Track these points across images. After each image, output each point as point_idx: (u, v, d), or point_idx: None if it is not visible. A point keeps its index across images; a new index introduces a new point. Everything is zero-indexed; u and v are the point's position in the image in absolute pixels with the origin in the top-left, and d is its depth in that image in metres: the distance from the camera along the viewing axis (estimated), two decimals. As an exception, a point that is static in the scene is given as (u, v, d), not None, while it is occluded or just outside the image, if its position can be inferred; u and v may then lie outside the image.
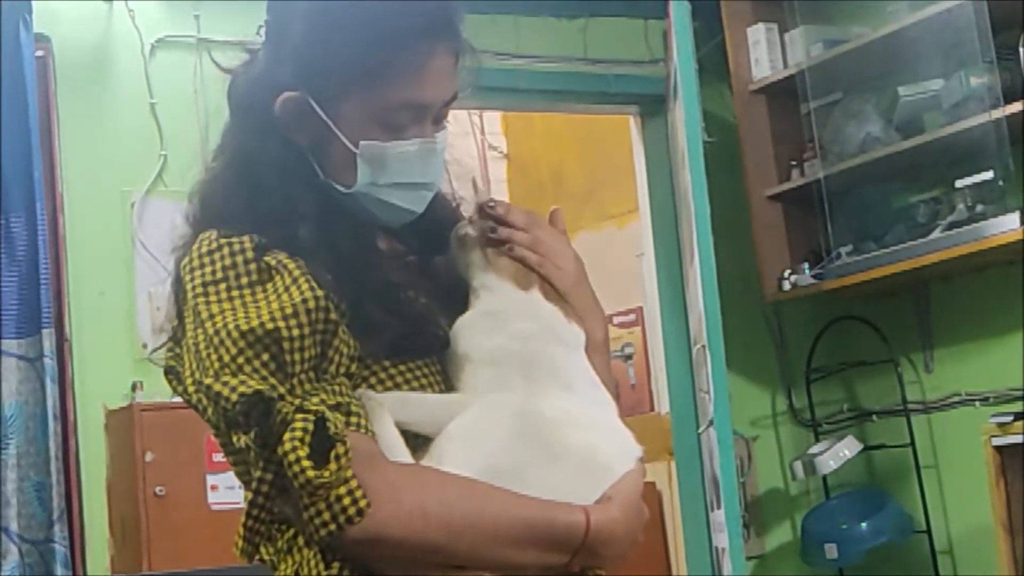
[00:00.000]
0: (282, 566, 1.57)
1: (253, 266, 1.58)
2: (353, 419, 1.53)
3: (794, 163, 5.02)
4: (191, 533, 4.00)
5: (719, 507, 4.41)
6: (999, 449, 4.31)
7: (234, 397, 1.50)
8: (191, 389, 1.58)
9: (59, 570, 4.05)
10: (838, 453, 4.86)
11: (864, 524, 4.81)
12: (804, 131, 4.95)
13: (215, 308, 1.56)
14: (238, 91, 1.73)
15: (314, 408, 1.50)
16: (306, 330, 1.54)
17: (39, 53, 4.30)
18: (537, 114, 6.23)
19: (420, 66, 1.65)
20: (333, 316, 1.56)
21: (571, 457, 1.60)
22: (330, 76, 1.64)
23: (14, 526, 4.04)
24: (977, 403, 4.80)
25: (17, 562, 4.04)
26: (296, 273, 1.57)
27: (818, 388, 5.20)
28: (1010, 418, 4.31)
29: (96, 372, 4.28)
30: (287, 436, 1.48)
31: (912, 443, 4.89)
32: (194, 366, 1.56)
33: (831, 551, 4.82)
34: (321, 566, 1.53)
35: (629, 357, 6.14)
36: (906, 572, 4.95)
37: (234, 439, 1.53)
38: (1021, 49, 4.22)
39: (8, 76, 4.16)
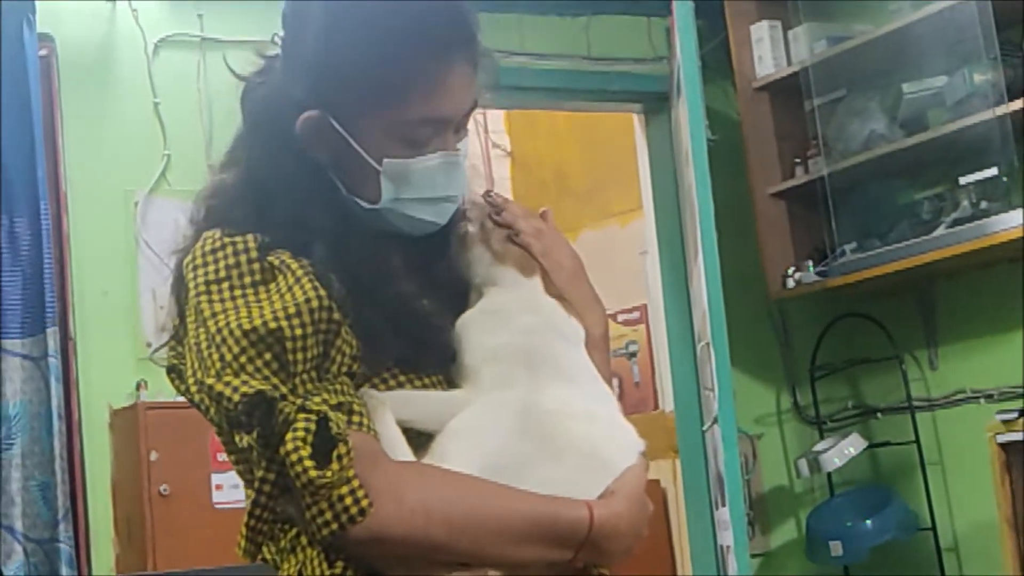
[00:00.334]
0: (285, 565, 1.57)
1: (256, 265, 1.58)
2: (355, 418, 1.53)
3: (798, 160, 5.01)
4: (196, 532, 4.00)
5: (724, 505, 4.41)
6: (1004, 446, 4.30)
7: (236, 397, 1.50)
8: (193, 389, 1.58)
9: (64, 570, 4.05)
10: (843, 450, 4.85)
11: (869, 521, 4.81)
12: (808, 128, 4.95)
13: (217, 307, 1.56)
14: (254, 103, 1.71)
15: (316, 408, 1.50)
16: (308, 329, 1.53)
17: (43, 52, 4.31)
18: (540, 112, 6.22)
19: (440, 80, 1.63)
20: (336, 316, 1.56)
21: (573, 452, 1.60)
22: (349, 93, 1.63)
23: (19, 525, 4.04)
24: (982, 400, 4.80)
25: (22, 561, 4.04)
26: (299, 273, 1.57)
27: (823, 385, 5.20)
28: (1015, 415, 4.31)
29: (100, 371, 4.28)
30: (289, 436, 1.48)
31: (917, 440, 4.89)
32: (196, 365, 1.56)
33: (836, 548, 4.81)
34: (324, 565, 1.53)
35: (633, 355, 6.14)
36: (911, 569, 4.95)
37: (236, 439, 1.53)
38: (1025, 46, 4.22)
39: (11, 75, 4.16)
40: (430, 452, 1.57)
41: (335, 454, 1.48)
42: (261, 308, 1.54)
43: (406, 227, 1.69)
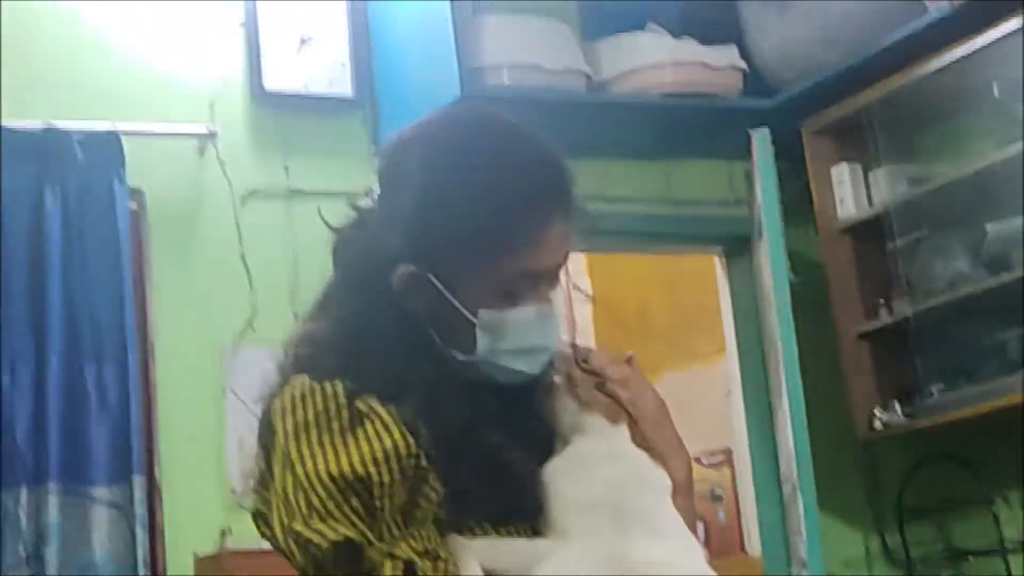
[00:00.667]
0: None
1: (345, 412, 1.59)
2: (441, 564, 1.53)
3: (882, 302, 4.99)
4: None
5: (814, 651, 4.33)
6: (1100, 590, 4.21)
7: (324, 543, 1.51)
8: (279, 534, 1.59)
9: None
10: (935, 595, 4.77)
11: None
12: (891, 269, 4.93)
13: (306, 452, 1.57)
14: (347, 255, 1.74)
15: (403, 554, 1.50)
16: (396, 476, 1.54)
17: (132, 206, 4.39)
18: (622, 255, 6.25)
19: (539, 236, 1.65)
20: (423, 463, 1.56)
21: (661, 604, 1.58)
22: (447, 249, 1.65)
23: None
24: (1075, 543, 4.71)
25: None
26: (387, 419, 1.58)
27: (912, 528, 5.12)
28: (1111, 558, 4.22)
29: (186, 518, 4.29)
30: (377, 582, 1.49)
31: (1010, 584, 4.79)
32: (283, 511, 1.57)
33: None
34: None
35: (719, 498, 6.07)
36: None
37: (322, 586, 1.53)
38: (1107, 184, 4.21)
39: (102, 229, 4.24)
40: (515, 600, 1.57)
41: (423, 601, 1.48)
42: (349, 454, 1.56)
43: (501, 378, 1.69)
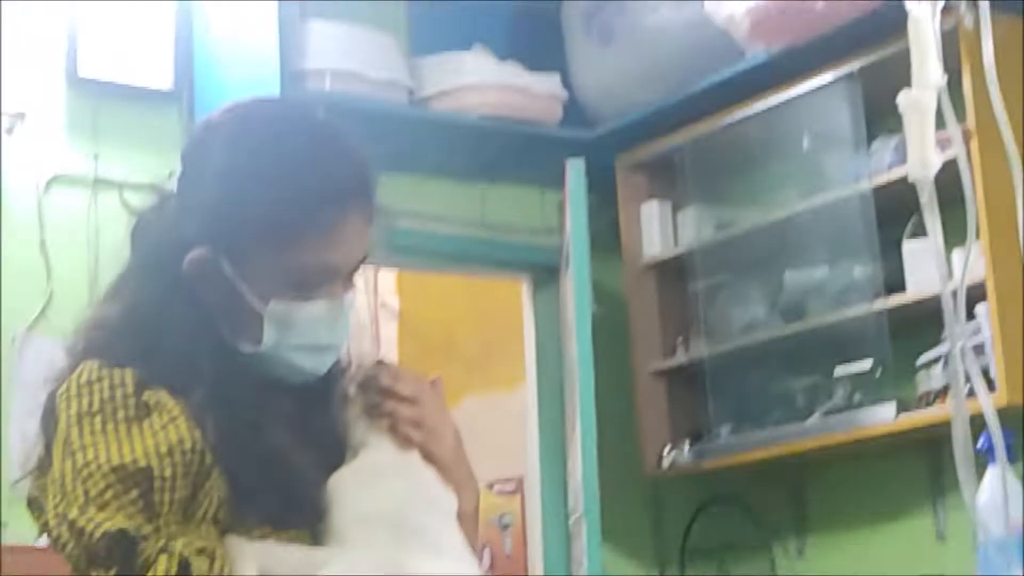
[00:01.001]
0: None
1: (132, 400, 1.57)
2: (217, 564, 1.51)
3: (680, 340, 5.07)
4: None
5: None
6: (867, 637, 4.32)
7: (98, 532, 1.48)
8: (53, 522, 1.55)
9: None
10: (708, 633, 4.84)
11: None
12: (691, 310, 5.02)
13: (88, 439, 1.55)
14: (144, 238, 1.72)
15: (179, 550, 1.48)
16: (179, 470, 1.53)
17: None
18: (431, 275, 6.26)
19: (333, 229, 1.65)
20: (208, 460, 1.55)
21: (435, 620, 1.59)
22: (241, 235, 1.64)
23: None
24: (848, 591, 4.83)
25: None
26: (175, 412, 1.56)
27: (692, 567, 5.20)
28: (879, 608, 4.34)
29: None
30: (149, 576, 1.47)
31: (782, 627, 4.89)
32: (59, 498, 1.54)
33: None
34: None
35: (507, 526, 6.10)
36: None
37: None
38: (903, 243, 4.33)
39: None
40: (290, 605, 1.56)
41: (193, 598, 1.46)
42: (132, 445, 1.53)
43: (286, 374, 1.68)
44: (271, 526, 1.61)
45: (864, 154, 4.43)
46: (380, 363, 1.77)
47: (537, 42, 5.24)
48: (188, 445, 1.54)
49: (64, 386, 1.60)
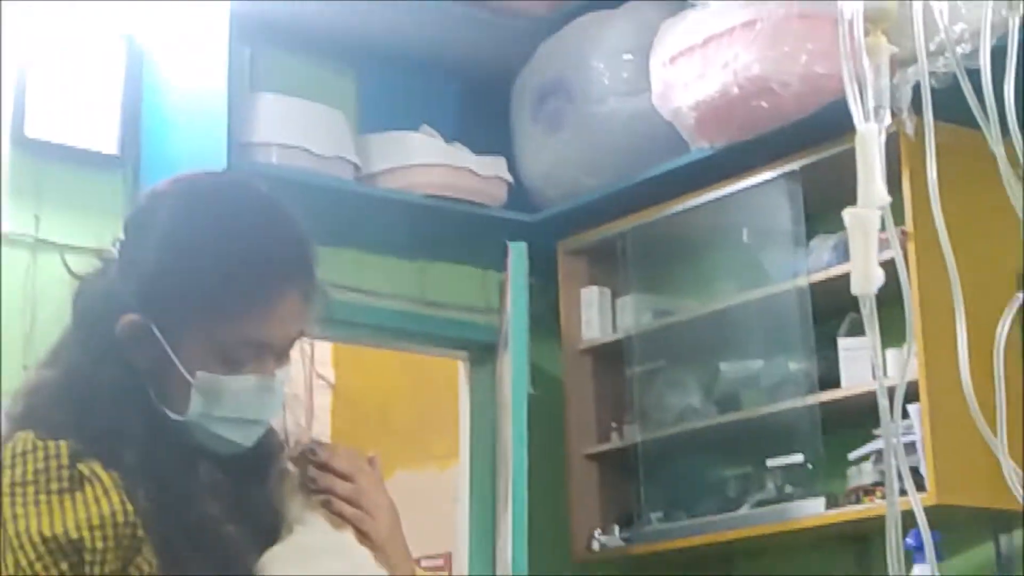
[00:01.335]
0: None
1: (66, 472, 1.57)
2: (144, 640, 1.51)
3: (614, 425, 5.09)
4: None
5: None
6: None
7: (26, 605, 1.47)
8: (-18, 592, 1.54)
9: None
10: None
11: None
12: (626, 395, 5.04)
13: (19, 511, 1.54)
14: (83, 302, 1.73)
15: (106, 624, 1.48)
16: (111, 543, 1.52)
17: None
18: (369, 348, 6.26)
19: (270, 306, 1.67)
20: (140, 533, 1.55)
21: None
22: (175, 304, 1.66)
23: None
24: None
25: None
26: (108, 484, 1.56)
27: (618, 653, 5.18)
28: None
29: None
30: (76, 652, 1.46)
31: None
32: (-11, 567, 1.54)
33: None
34: None
35: (433, 603, 6.07)
36: None
37: (21, 651, 1.50)
38: (839, 340, 4.38)
39: None
40: None
41: (120, 676, 1.45)
42: (64, 516, 1.53)
43: (210, 444, 1.69)
44: None
45: (803, 251, 4.48)
46: (317, 441, 1.77)
47: (484, 125, 5.28)
48: (120, 518, 1.54)
49: (-1, 456, 1.60)
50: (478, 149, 5.10)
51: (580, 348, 5.16)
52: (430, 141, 5.02)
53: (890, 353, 3.89)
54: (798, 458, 4.43)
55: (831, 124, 3.61)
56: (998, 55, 2.17)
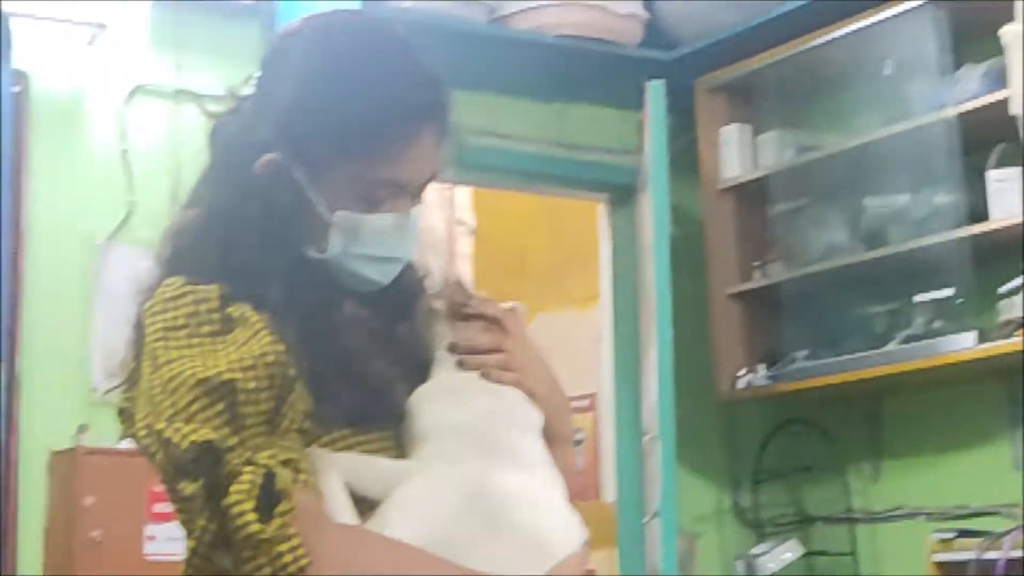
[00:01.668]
0: (216, 619, 1.56)
1: (216, 315, 1.59)
2: (301, 476, 1.53)
3: (757, 264, 5.05)
4: (125, 581, 3.96)
5: (656, 600, 4.40)
6: (940, 565, 4.32)
7: (184, 444, 1.50)
8: (142, 433, 1.57)
9: (-13, 609, 4.00)
10: (780, 556, 4.86)
11: (799, 630, 4.80)
12: (769, 233, 4.99)
13: (174, 354, 1.56)
14: (221, 141, 1.73)
15: (263, 462, 1.50)
16: (263, 383, 1.54)
17: (15, 89, 4.30)
18: (507, 193, 6.25)
19: (405, 145, 1.66)
20: (291, 372, 1.56)
21: (517, 534, 1.59)
22: (313, 142, 1.65)
23: (-55, 561, 3.99)
24: (922, 517, 4.81)
25: (-55, 598, 3.99)
26: (258, 326, 1.57)
27: (765, 489, 5.21)
28: (953, 535, 4.32)
29: (43, 412, 4.24)
30: (234, 488, 1.48)
31: (854, 552, 4.89)
32: (148, 410, 1.56)
33: (765, 654, 4.80)
34: (254, 622, 1.52)
35: (579, 442, 6.12)
36: None
37: (181, 486, 1.52)
38: (988, 172, 4.28)
39: (-17, 110, 4.16)
40: (374, 518, 1.57)
41: (278, 509, 1.48)
42: (217, 358, 1.55)
43: (349, 282, 1.70)
44: (352, 427, 1.62)
45: (949, 80, 4.37)
46: (459, 284, 1.77)
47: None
48: (271, 358, 1.55)
49: (151, 302, 1.62)
50: (614, -13, 5.01)
51: (721, 187, 5.11)
52: (565, -20, 4.95)
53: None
54: (947, 292, 4.37)
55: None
56: None
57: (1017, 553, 4.14)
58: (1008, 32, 2.08)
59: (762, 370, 4.93)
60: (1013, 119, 3.96)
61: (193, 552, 1.53)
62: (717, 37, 4.94)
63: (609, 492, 5.48)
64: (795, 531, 5.17)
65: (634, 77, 4.87)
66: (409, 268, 1.78)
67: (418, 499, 1.58)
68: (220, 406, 1.52)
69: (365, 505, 1.59)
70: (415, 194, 1.70)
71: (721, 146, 5.11)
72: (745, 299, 5.06)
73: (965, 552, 4.26)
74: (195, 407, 1.52)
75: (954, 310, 4.38)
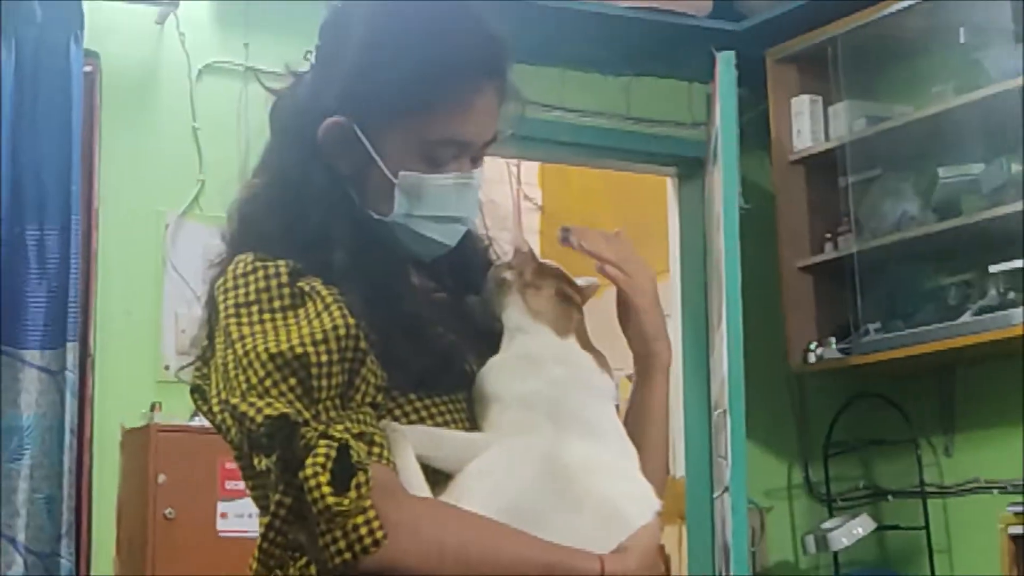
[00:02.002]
0: (292, 594, 1.56)
1: (287, 290, 1.59)
2: (376, 449, 1.53)
3: (828, 236, 5.01)
4: (197, 558, 3.99)
5: None
6: (1014, 538, 4.28)
7: (259, 418, 1.50)
8: (216, 408, 1.58)
9: (63, 584, 4.04)
10: (851, 530, 4.82)
11: (872, 604, 4.78)
12: (840, 205, 4.95)
13: (246, 330, 1.57)
14: (282, 112, 1.75)
15: (338, 435, 1.50)
16: (335, 357, 1.54)
17: (87, 68, 4.34)
18: (574, 168, 6.24)
19: (467, 103, 1.66)
20: (363, 345, 1.56)
21: (591, 505, 1.59)
22: (376, 105, 1.66)
23: (21, 537, 4.04)
24: (995, 491, 4.77)
25: (22, 573, 4.03)
26: (329, 300, 1.57)
27: (836, 463, 5.17)
28: (1027, 508, 4.29)
29: (116, 390, 4.28)
30: (309, 461, 1.48)
31: (927, 526, 4.85)
32: (221, 386, 1.57)
33: (837, 628, 4.78)
34: (332, 596, 1.52)
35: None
36: (911, 656, 4.91)
37: (255, 461, 1.53)
38: (1065, 140, 4.23)
39: (55, 89, 4.19)
40: (449, 490, 1.57)
41: (354, 483, 1.48)
42: (289, 333, 1.55)
43: (414, 244, 1.70)
44: (422, 392, 1.62)
45: (1025, 48, 4.31)
46: (530, 253, 1.77)
47: (689, -68, 5.14)
48: (343, 331, 1.55)
49: (222, 279, 1.62)
50: (682, -42, 4.97)
51: (791, 158, 5.07)
52: (633, -48, 4.92)
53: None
54: (1021, 263, 4.32)
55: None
56: None
57: (1093, 526, 4.10)
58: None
59: (833, 343, 4.89)
60: (1089, 87, 3.92)
61: (268, 527, 1.52)
62: (787, 7, 4.89)
63: (678, 467, 5.47)
64: (866, 505, 5.14)
65: (703, 48, 4.84)
66: (475, 239, 1.79)
67: (492, 471, 1.58)
68: (293, 380, 1.52)
69: (440, 477, 1.58)
70: (476, 156, 1.70)
71: (792, 117, 5.07)
72: (816, 272, 5.03)
73: (1040, 525, 4.23)
74: (268, 382, 1.52)
75: (1029, 281, 4.33)
